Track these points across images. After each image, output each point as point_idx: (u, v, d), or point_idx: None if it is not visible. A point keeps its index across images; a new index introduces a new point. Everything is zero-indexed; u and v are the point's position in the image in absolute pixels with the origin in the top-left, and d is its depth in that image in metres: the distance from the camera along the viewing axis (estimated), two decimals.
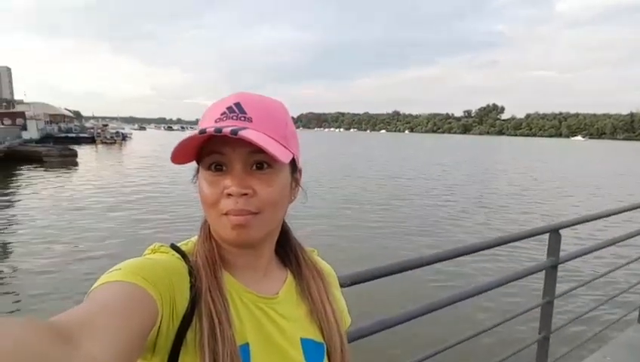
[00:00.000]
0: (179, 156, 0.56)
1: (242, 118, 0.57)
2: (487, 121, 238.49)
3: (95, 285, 0.49)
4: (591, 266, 4.98)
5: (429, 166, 28.24)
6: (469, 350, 1.76)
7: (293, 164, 0.63)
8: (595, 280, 2.67)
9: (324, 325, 0.67)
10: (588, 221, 2.47)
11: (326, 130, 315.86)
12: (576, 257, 2.38)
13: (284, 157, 0.55)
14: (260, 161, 0.57)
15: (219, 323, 0.54)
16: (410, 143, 79.47)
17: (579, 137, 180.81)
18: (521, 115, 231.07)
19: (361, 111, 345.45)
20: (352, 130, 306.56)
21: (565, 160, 41.39)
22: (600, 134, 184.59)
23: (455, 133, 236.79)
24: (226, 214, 0.56)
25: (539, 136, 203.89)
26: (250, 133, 0.53)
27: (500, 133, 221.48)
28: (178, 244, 0.63)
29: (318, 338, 0.66)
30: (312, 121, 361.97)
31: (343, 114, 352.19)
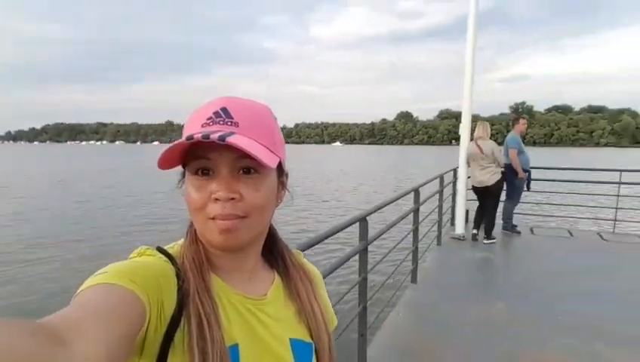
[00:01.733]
0: (165, 162, 0.57)
1: (229, 123, 0.58)
2: None
3: (81, 288, 0.49)
4: (389, 242, 6.19)
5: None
6: None
7: (280, 167, 0.66)
8: (390, 253, 3.47)
9: (312, 325, 0.70)
10: (383, 207, 3.20)
11: (83, 142, 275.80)
12: (378, 237, 3.06)
13: (271, 162, 0.57)
14: (247, 166, 0.58)
15: (207, 324, 0.55)
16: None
17: (337, 143, 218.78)
18: (290, 124, 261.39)
19: (128, 121, 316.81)
20: (117, 142, 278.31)
21: (344, 161, 49.44)
22: (352, 140, 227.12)
23: None
24: (213, 218, 0.58)
25: (307, 143, 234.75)
26: (237, 139, 0.54)
27: None
28: (164, 247, 0.63)
29: (307, 338, 0.69)
30: (63, 132, 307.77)
31: (105, 124, 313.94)
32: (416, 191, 4.28)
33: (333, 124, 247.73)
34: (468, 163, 5.92)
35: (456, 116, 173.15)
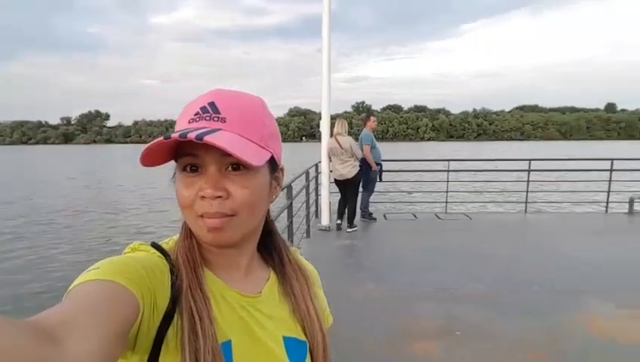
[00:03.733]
0: (148, 159, 0.56)
1: (216, 119, 0.58)
2: (92, 128, 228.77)
3: (73, 284, 0.49)
4: None
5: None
6: None
7: (274, 163, 0.66)
8: None
9: (306, 323, 0.71)
10: None
11: None
12: None
13: (257, 159, 0.56)
14: (235, 162, 0.57)
15: (200, 320, 0.55)
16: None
17: None
18: (129, 122, 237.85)
19: None
20: None
21: None
22: None
23: (54, 143, 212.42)
24: (201, 216, 0.58)
25: (149, 142, 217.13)
26: (219, 137, 0.53)
27: (109, 141, 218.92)
28: (159, 243, 0.63)
29: (301, 336, 0.70)
30: None
31: None
32: (289, 187, 4.50)
33: None
34: (329, 157, 6.42)
35: (305, 113, 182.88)
